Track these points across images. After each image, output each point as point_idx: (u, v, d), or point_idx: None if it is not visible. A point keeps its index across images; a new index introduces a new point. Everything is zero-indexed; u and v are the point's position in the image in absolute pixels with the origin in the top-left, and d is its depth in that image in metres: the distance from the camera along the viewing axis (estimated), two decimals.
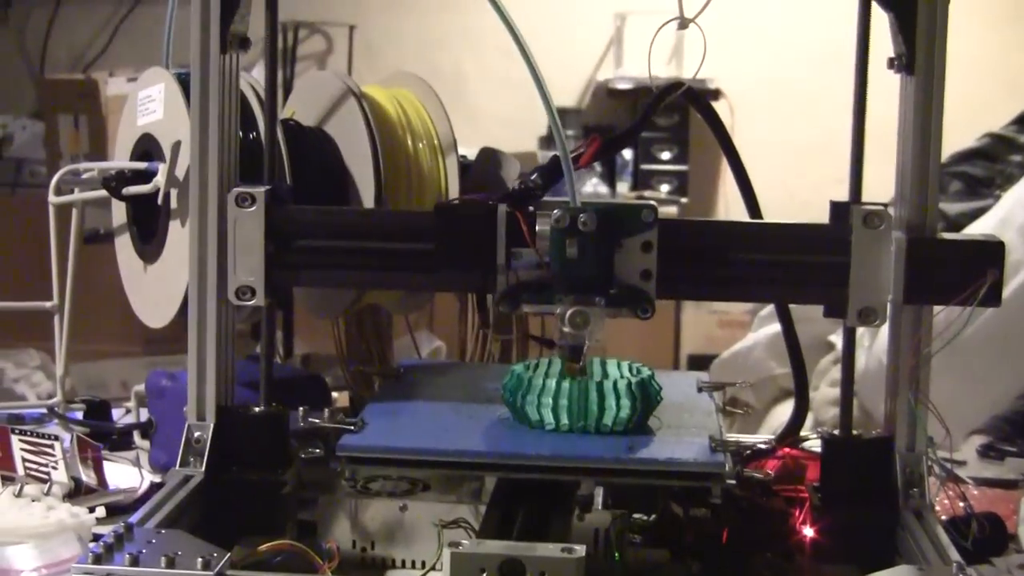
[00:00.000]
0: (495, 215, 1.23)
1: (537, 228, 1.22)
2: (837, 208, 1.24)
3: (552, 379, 1.27)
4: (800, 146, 4.97)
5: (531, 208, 1.23)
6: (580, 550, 1.03)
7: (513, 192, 1.26)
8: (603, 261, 1.22)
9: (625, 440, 1.24)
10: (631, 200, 1.24)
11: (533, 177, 1.26)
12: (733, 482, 1.18)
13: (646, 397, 1.27)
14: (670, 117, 4.96)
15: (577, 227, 1.20)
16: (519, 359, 1.61)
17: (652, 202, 1.25)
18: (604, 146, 1.30)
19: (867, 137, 1.25)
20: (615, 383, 1.26)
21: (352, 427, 1.26)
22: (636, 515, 1.27)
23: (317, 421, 1.30)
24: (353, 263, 1.29)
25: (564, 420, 1.25)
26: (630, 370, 1.34)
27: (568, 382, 1.25)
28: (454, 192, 1.54)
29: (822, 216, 1.26)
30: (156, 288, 1.52)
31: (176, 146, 1.44)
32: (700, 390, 1.43)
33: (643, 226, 1.22)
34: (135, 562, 1.03)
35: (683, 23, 1.29)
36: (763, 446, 1.32)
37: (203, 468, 1.25)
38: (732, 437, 1.33)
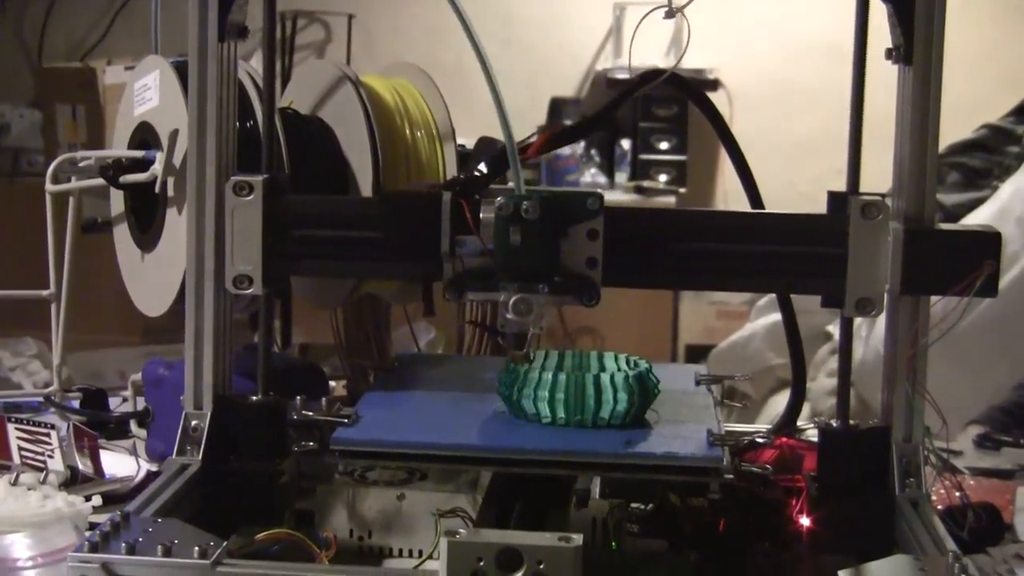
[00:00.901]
0: (439, 203, 1.23)
1: (482, 216, 1.22)
2: (835, 199, 1.24)
3: (548, 372, 1.26)
4: (799, 137, 4.97)
5: (477, 196, 1.23)
6: (577, 539, 1.03)
7: (458, 180, 1.27)
8: (547, 249, 1.22)
9: (622, 434, 1.23)
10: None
11: (480, 166, 1.26)
12: (731, 476, 1.18)
13: (643, 391, 1.26)
14: (669, 107, 4.95)
15: (520, 215, 1.20)
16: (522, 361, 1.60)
17: (598, 190, 1.24)
18: (554, 137, 1.30)
19: (867, 128, 1.25)
20: (612, 376, 1.25)
21: (346, 420, 1.26)
22: (634, 505, 1.27)
23: (311, 414, 1.29)
24: (351, 253, 1.28)
25: (560, 414, 1.25)
26: (627, 363, 1.34)
27: (564, 375, 1.25)
28: None
29: (822, 208, 1.26)
30: (154, 277, 1.52)
31: (173, 135, 1.44)
32: (698, 383, 1.42)
33: (588, 214, 1.22)
34: (132, 551, 1.03)
35: (670, 12, 1.29)
36: (761, 440, 1.31)
37: (200, 457, 1.25)
38: (729, 427, 1.33)
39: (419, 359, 1.59)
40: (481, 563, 1.01)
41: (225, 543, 1.05)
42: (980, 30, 4.79)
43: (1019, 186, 2.60)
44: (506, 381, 1.28)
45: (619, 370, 1.31)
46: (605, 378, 1.25)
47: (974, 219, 2.57)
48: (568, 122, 4.97)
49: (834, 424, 1.24)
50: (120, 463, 1.55)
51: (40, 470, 1.45)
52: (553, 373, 1.26)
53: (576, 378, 1.25)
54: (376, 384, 1.44)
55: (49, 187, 1.74)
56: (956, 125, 2.32)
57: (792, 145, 4.95)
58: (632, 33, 5.08)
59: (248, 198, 1.25)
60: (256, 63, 1.48)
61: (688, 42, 1.26)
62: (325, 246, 1.28)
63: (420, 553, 1.25)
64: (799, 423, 1.36)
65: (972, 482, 1.54)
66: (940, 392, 1.22)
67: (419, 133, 1.55)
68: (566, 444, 1.21)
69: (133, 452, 1.59)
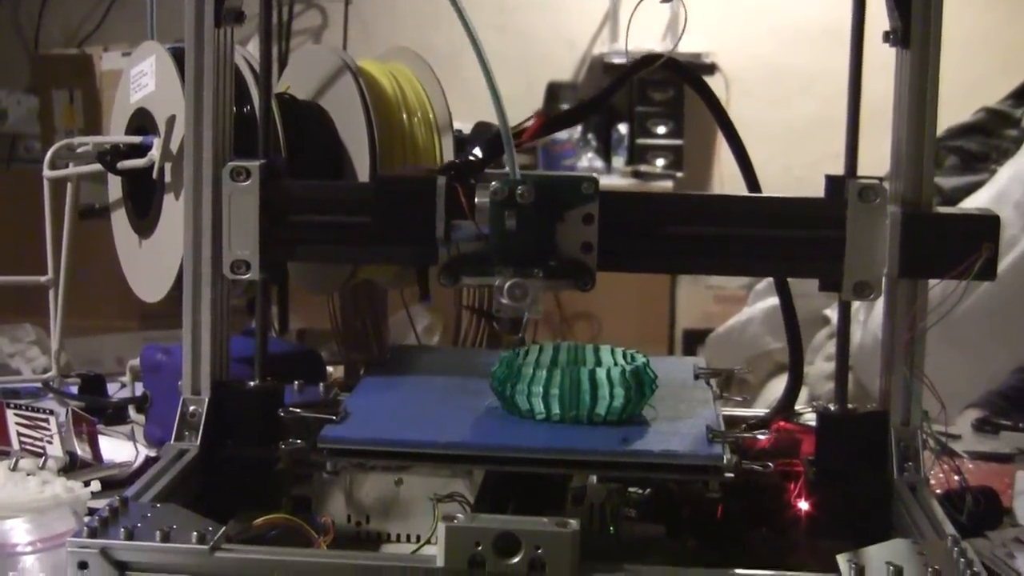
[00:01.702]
0: (434, 188, 1.23)
1: (477, 200, 1.22)
2: (833, 182, 1.24)
3: (543, 368, 1.24)
4: (797, 121, 4.96)
5: (472, 181, 1.23)
6: (574, 524, 1.02)
7: (453, 165, 1.26)
8: (542, 233, 1.21)
9: (619, 431, 1.20)
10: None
11: (475, 150, 1.26)
12: (731, 475, 1.17)
13: (640, 386, 1.23)
14: (665, 91, 4.94)
15: (515, 199, 1.20)
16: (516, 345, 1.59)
17: (593, 174, 1.24)
18: (549, 122, 1.30)
19: (864, 112, 1.25)
20: (608, 371, 1.23)
21: (334, 417, 1.23)
22: (631, 489, 1.26)
23: (298, 411, 1.27)
24: (347, 238, 1.28)
25: (555, 410, 1.22)
26: (624, 357, 1.31)
27: (559, 370, 1.22)
28: None
29: (819, 192, 1.26)
30: (151, 262, 1.52)
31: (170, 120, 1.44)
32: (697, 376, 1.40)
33: (584, 198, 1.22)
34: (130, 536, 1.03)
35: None
36: (761, 436, 1.29)
37: (198, 442, 1.25)
38: (727, 411, 1.33)
39: (412, 351, 1.58)
40: (479, 548, 1.01)
41: (223, 528, 1.05)
42: (977, 13, 4.79)
43: (1017, 170, 2.60)
44: (499, 376, 1.25)
45: (615, 364, 1.29)
46: (601, 373, 1.22)
47: (972, 203, 2.56)
48: (565, 107, 4.97)
49: (832, 408, 1.24)
50: (119, 449, 1.56)
51: (39, 456, 1.45)
52: (548, 368, 1.23)
53: (571, 373, 1.22)
54: (367, 377, 1.42)
55: (47, 173, 1.73)
56: (954, 108, 2.32)
57: (789, 129, 4.95)
58: (629, 17, 5.07)
59: (245, 183, 1.25)
60: (253, 48, 1.48)
61: (685, 26, 1.26)
62: (322, 231, 1.28)
63: (418, 538, 1.25)
64: (797, 407, 1.36)
65: (971, 466, 1.54)
66: (938, 376, 1.22)
67: (416, 118, 1.55)
68: (561, 441, 1.19)
69: (131, 438, 1.60)
